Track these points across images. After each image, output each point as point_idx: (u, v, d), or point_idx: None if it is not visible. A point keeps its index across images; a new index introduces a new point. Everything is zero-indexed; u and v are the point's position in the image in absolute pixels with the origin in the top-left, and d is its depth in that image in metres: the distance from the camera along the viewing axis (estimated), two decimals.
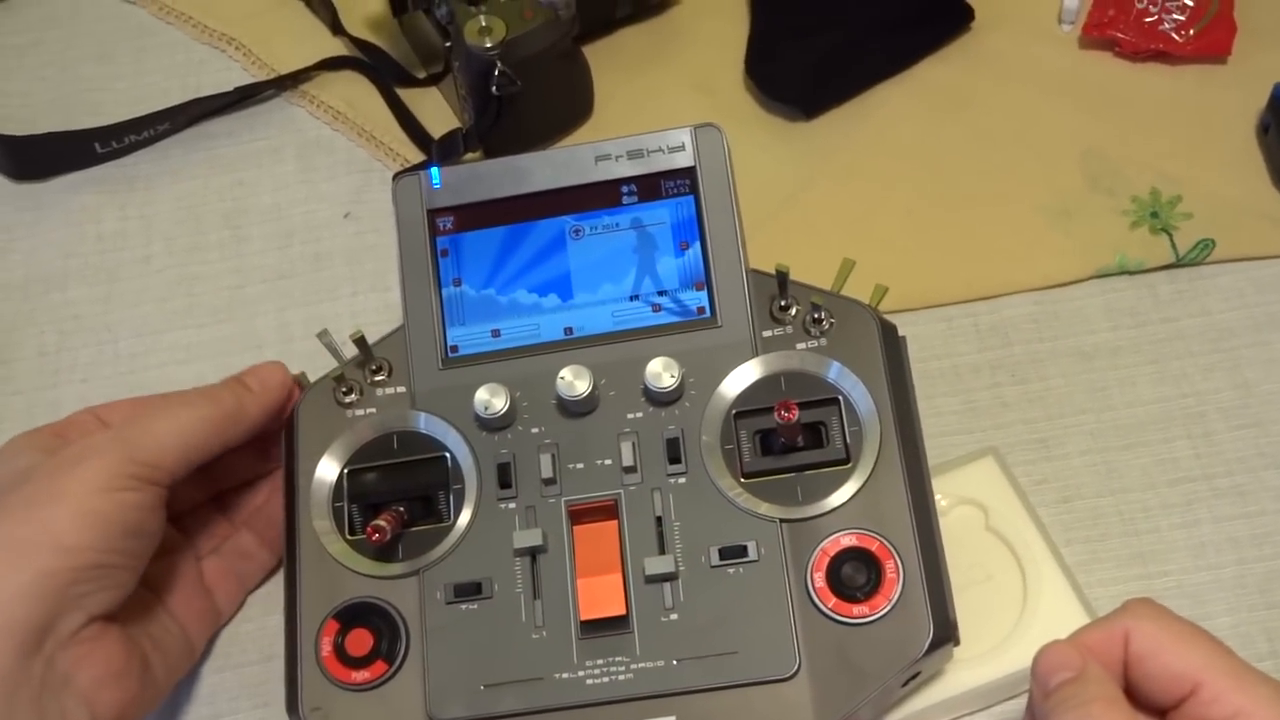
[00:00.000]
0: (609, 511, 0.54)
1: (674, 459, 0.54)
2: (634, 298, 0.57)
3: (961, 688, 0.55)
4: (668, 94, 0.76)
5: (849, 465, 0.54)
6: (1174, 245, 0.67)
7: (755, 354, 0.56)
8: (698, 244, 0.57)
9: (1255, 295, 0.66)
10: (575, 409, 0.55)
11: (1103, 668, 0.47)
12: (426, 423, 0.56)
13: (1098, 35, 0.74)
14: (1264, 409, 0.63)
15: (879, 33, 0.74)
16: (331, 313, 0.70)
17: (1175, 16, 0.73)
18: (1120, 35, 0.73)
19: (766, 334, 0.56)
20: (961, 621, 0.53)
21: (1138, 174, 0.70)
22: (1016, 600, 0.57)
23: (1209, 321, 0.66)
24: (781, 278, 0.55)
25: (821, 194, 0.72)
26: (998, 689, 0.56)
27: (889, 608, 0.51)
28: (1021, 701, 0.57)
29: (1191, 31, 0.73)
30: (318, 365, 0.59)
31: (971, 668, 0.56)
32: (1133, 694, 0.47)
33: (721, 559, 0.53)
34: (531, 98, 0.69)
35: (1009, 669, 0.56)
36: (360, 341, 0.57)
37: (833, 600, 0.52)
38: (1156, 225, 0.68)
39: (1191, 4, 0.73)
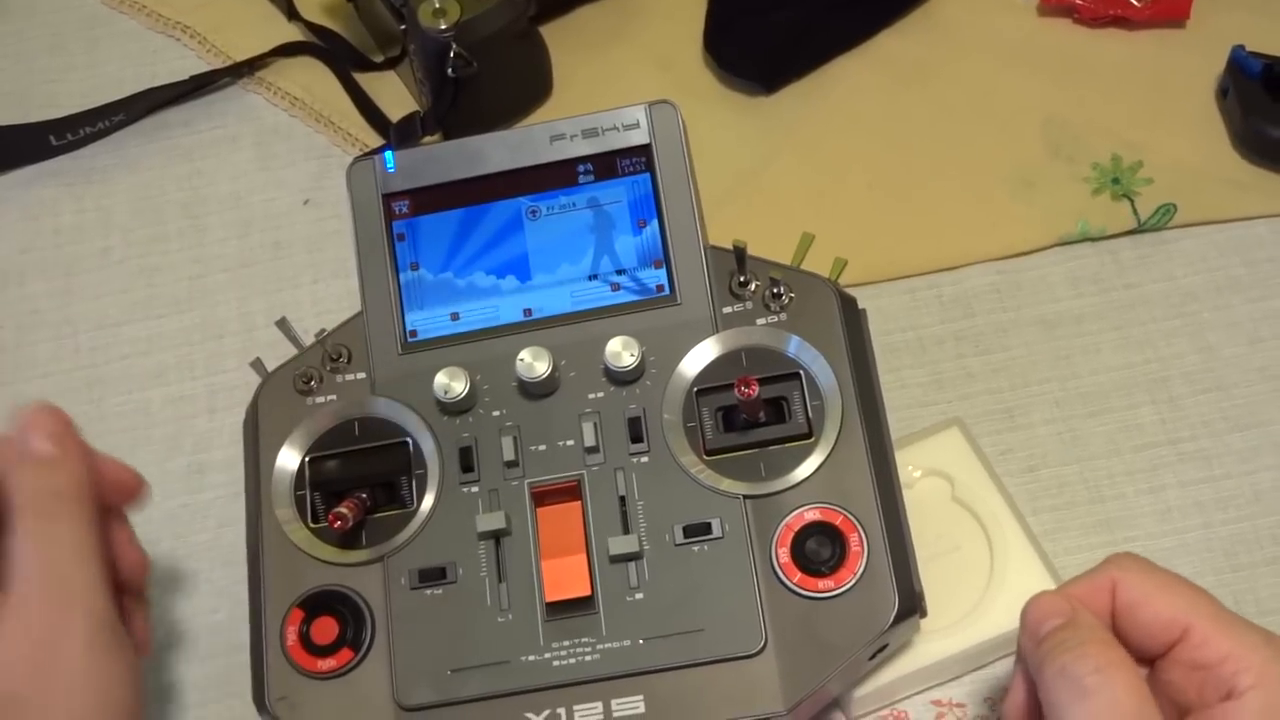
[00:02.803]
0: (572, 493, 0.54)
1: (636, 438, 0.54)
2: (593, 277, 0.57)
3: (931, 659, 0.55)
4: (627, 72, 0.75)
5: (811, 440, 0.53)
6: (1136, 211, 0.67)
7: (715, 330, 0.55)
8: (655, 222, 0.57)
9: (1217, 259, 0.66)
10: (536, 390, 0.55)
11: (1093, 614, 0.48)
12: (387, 408, 0.56)
13: (1056, 3, 0.74)
14: (1226, 372, 0.63)
15: (837, 6, 0.74)
16: (293, 300, 0.70)
17: None
18: (1078, 2, 0.73)
19: (726, 310, 0.55)
20: (929, 592, 0.53)
21: (1098, 140, 0.70)
22: (984, 570, 0.57)
23: (1172, 286, 0.66)
24: (739, 253, 0.55)
25: (783, 169, 0.71)
26: (967, 659, 0.56)
27: (854, 581, 0.51)
28: (991, 669, 0.57)
29: None
30: (280, 354, 0.59)
31: (940, 639, 0.56)
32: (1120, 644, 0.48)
33: (686, 537, 0.52)
34: (489, 79, 0.69)
35: (978, 639, 0.56)
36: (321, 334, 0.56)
37: (798, 575, 0.52)
38: (1118, 191, 0.68)
39: None
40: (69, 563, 0.49)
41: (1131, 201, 0.68)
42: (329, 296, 0.70)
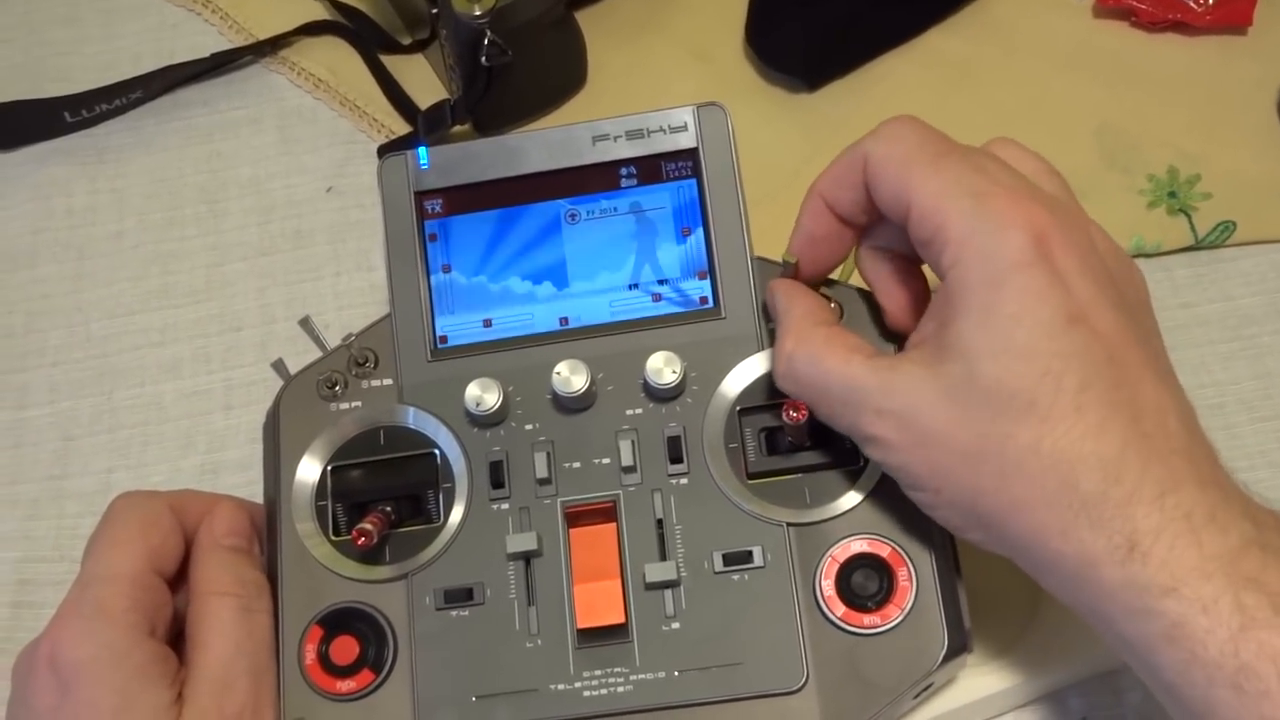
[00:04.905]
0: (607, 514, 0.51)
1: (675, 458, 0.52)
2: (633, 287, 0.54)
3: (972, 695, 0.53)
4: (664, 63, 0.73)
5: (860, 466, 0.51)
6: (1193, 226, 0.65)
7: (761, 347, 0.53)
8: (700, 230, 0.54)
9: (1276, 280, 0.64)
10: (571, 405, 0.52)
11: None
12: (415, 418, 0.53)
13: (1113, 4, 0.71)
14: None
15: (885, 1, 0.71)
16: (314, 293, 0.67)
17: None
18: (1137, 4, 0.71)
19: (772, 326, 0.53)
20: (972, 627, 0.50)
21: (1155, 151, 0.67)
22: (1027, 602, 0.55)
23: (1229, 307, 0.63)
24: (789, 268, 0.52)
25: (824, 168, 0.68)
26: (1009, 696, 0.54)
27: (901, 617, 0.49)
28: (1031, 710, 0.55)
29: (1210, 1, 0.70)
30: (300, 349, 0.56)
31: (982, 675, 0.53)
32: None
33: (725, 565, 0.50)
34: (523, 68, 0.66)
35: (1021, 675, 0.53)
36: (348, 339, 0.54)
37: (842, 609, 0.49)
38: (1175, 205, 0.65)
39: None
40: (268, 655, 0.50)
41: (1189, 216, 0.65)
42: (351, 290, 0.67)
